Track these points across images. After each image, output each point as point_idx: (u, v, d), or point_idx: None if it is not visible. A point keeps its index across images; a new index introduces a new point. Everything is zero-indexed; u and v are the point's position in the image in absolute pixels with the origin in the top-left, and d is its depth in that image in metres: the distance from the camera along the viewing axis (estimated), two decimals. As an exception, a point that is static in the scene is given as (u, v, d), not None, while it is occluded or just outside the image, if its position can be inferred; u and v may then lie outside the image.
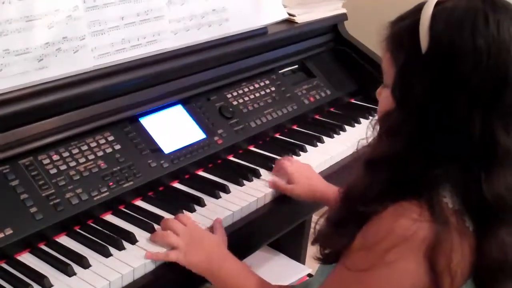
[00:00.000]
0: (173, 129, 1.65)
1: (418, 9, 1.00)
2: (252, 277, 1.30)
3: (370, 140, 1.14)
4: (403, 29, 1.01)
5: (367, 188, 1.03)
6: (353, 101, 2.22)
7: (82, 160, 1.43)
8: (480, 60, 0.93)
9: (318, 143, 1.86)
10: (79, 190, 1.38)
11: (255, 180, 1.62)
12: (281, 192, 1.58)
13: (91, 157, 1.45)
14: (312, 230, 1.21)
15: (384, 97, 1.07)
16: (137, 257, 1.29)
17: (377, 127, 1.09)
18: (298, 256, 2.31)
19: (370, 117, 2.06)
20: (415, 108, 0.99)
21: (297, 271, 2.14)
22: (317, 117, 2.06)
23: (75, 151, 1.44)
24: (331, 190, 1.54)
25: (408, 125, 1.00)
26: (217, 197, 1.53)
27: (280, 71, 2.05)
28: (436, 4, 0.98)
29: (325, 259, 1.14)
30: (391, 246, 0.96)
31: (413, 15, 1.01)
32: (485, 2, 0.96)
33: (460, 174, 0.98)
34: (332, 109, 2.13)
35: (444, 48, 0.95)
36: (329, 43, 2.25)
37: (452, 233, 0.96)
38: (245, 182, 1.61)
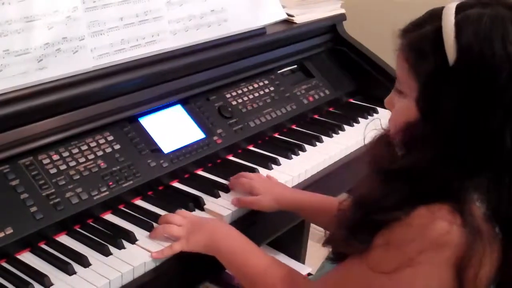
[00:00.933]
0: (172, 129, 1.65)
1: (434, 15, 0.99)
2: (259, 253, 1.29)
3: (373, 146, 1.15)
4: (423, 38, 0.99)
5: (387, 197, 1.01)
6: (352, 101, 2.22)
7: (82, 159, 1.44)
8: None
9: (317, 143, 1.87)
10: (79, 190, 1.39)
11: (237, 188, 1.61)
12: (248, 207, 1.52)
13: (91, 157, 1.46)
14: (322, 233, 1.20)
15: (403, 107, 1.04)
16: (137, 255, 1.30)
17: (394, 136, 1.08)
18: (298, 255, 2.31)
19: (369, 117, 2.07)
20: (445, 120, 0.97)
21: (297, 270, 2.14)
22: (316, 117, 2.07)
23: (75, 151, 1.44)
24: (301, 198, 1.52)
25: (436, 136, 0.98)
26: (216, 196, 1.53)
27: (279, 71, 2.06)
28: (457, 11, 0.96)
29: (338, 259, 1.13)
30: (423, 249, 0.94)
31: (431, 22, 0.99)
32: (509, 8, 0.95)
33: (490, 183, 0.96)
34: (331, 109, 2.13)
35: (475, 60, 0.93)
36: (328, 43, 2.26)
37: (484, 242, 0.94)
38: (244, 181, 1.61)
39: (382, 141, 1.15)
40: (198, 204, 1.49)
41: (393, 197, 0.99)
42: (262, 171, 1.67)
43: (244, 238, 1.32)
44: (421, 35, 1.00)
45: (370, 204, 1.04)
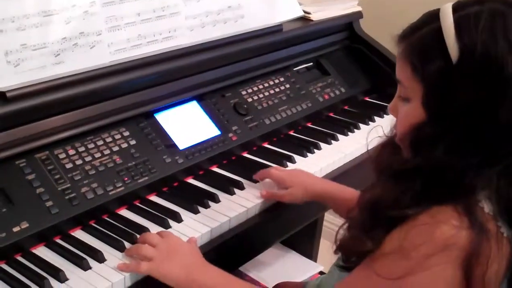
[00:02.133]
0: (188, 125, 1.65)
1: (431, 17, 0.99)
2: (237, 282, 1.25)
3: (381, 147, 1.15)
4: (424, 40, 0.99)
5: (399, 196, 1.01)
6: (367, 99, 2.21)
7: (98, 155, 1.44)
8: None
9: (332, 141, 1.86)
10: (94, 185, 1.39)
11: (267, 179, 1.61)
12: (278, 200, 1.53)
13: (107, 152, 1.46)
14: (334, 236, 1.20)
15: (408, 111, 1.04)
16: (152, 252, 1.29)
17: (403, 137, 1.07)
18: (310, 253, 2.31)
19: (385, 116, 2.06)
20: (454, 118, 0.97)
21: (309, 268, 2.14)
22: (331, 115, 2.06)
23: (91, 146, 1.45)
24: (331, 187, 1.54)
25: (447, 136, 0.98)
26: (231, 193, 1.53)
27: (294, 69, 2.05)
28: (454, 11, 0.97)
29: (348, 266, 1.12)
30: (431, 253, 0.94)
31: (429, 24, 0.99)
32: (505, 4, 0.96)
33: (498, 180, 0.97)
34: (346, 107, 2.13)
35: (479, 56, 0.94)
36: (344, 41, 2.25)
37: (491, 242, 0.94)
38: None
39: (387, 147, 1.17)
40: (213, 200, 1.49)
41: (407, 196, 0.99)
42: (277, 168, 1.66)
43: (219, 272, 1.25)
44: (421, 37, 1.00)
45: (383, 203, 1.03)
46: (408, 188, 1.00)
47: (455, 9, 0.97)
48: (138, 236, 1.33)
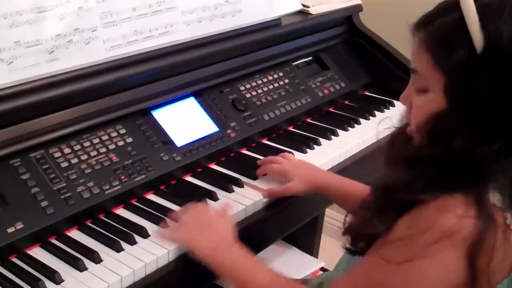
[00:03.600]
0: (185, 122, 1.63)
1: (450, 5, 0.98)
2: (261, 268, 1.26)
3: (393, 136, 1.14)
4: (445, 28, 0.98)
5: (412, 181, 1.01)
6: (367, 93, 2.19)
7: (94, 153, 1.42)
8: None
9: (332, 136, 1.84)
10: (90, 184, 1.37)
11: (269, 174, 1.59)
12: (280, 195, 1.53)
13: (103, 150, 1.44)
14: (336, 230, 1.19)
15: (425, 101, 1.03)
16: (149, 251, 1.28)
17: (422, 125, 1.06)
18: (311, 249, 2.30)
19: (386, 110, 2.04)
20: (477, 108, 0.96)
21: (310, 264, 2.12)
22: (331, 110, 2.04)
23: (87, 144, 1.43)
24: (333, 179, 1.53)
25: (468, 125, 0.97)
26: (230, 190, 1.51)
27: (294, 63, 2.03)
28: (475, 0, 0.95)
29: (355, 250, 1.14)
30: (434, 240, 0.94)
31: (449, 13, 0.98)
32: None
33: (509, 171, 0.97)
34: (346, 102, 2.10)
35: (505, 45, 0.93)
36: (344, 34, 2.23)
37: (496, 231, 0.94)
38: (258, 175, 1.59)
39: (399, 136, 1.16)
40: (211, 198, 1.47)
41: (421, 182, 1.00)
42: (277, 165, 1.64)
43: (245, 254, 1.27)
44: (442, 27, 0.99)
45: (396, 187, 1.03)
46: (422, 175, 1.00)
47: None
48: (135, 235, 1.31)
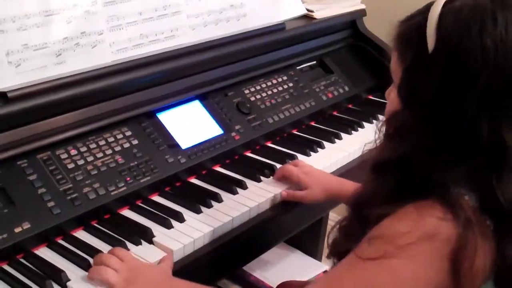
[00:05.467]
0: (190, 124, 1.64)
1: (427, 8, 0.99)
2: None
3: (377, 142, 1.13)
4: (411, 28, 1.00)
5: (374, 192, 1.02)
6: (371, 97, 2.20)
7: (100, 155, 1.43)
8: (487, 59, 0.91)
9: (336, 140, 1.85)
10: (96, 185, 1.38)
11: (274, 178, 1.61)
12: (298, 201, 1.54)
13: (109, 152, 1.45)
14: (327, 232, 1.20)
15: (393, 97, 1.05)
16: (154, 252, 1.29)
17: (383, 129, 1.08)
18: (314, 253, 2.30)
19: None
20: (422, 108, 0.97)
21: (313, 267, 2.13)
22: (335, 113, 2.05)
23: (93, 146, 1.44)
24: (345, 185, 1.53)
25: (415, 126, 0.98)
26: (234, 193, 1.52)
27: (298, 67, 2.04)
28: (445, 4, 0.96)
29: None
30: (412, 242, 0.93)
31: (422, 14, 0.99)
32: (494, 1, 0.95)
33: (474, 176, 0.96)
34: (350, 106, 2.11)
35: (451, 48, 0.94)
36: (348, 39, 2.24)
37: (476, 234, 0.93)
38: (262, 178, 1.60)
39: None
40: (216, 200, 1.48)
41: (381, 192, 1.00)
42: (280, 168, 1.65)
43: (190, 284, 1.20)
44: (410, 25, 1.01)
45: (362, 201, 1.05)
46: (382, 185, 1.01)
47: (447, 2, 0.97)
48: (140, 236, 1.32)
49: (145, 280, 1.18)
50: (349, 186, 1.53)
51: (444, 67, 0.94)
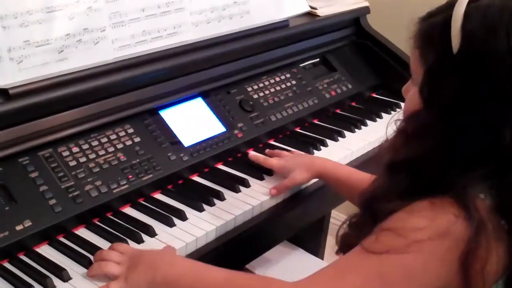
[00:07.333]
0: (193, 122, 1.64)
1: (450, 5, 0.97)
2: (211, 268, 1.11)
3: (390, 138, 1.11)
4: (434, 26, 0.98)
5: (388, 189, 1.01)
6: (374, 95, 2.19)
7: (102, 152, 1.43)
8: None
9: (339, 138, 1.84)
10: (98, 183, 1.38)
11: (276, 174, 1.60)
12: (289, 188, 1.54)
13: (111, 149, 1.44)
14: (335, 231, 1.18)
15: (412, 95, 1.04)
16: (156, 250, 1.28)
17: (401, 125, 1.06)
18: (317, 251, 2.30)
19: (392, 112, 2.04)
20: (444, 110, 0.96)
21: (316, 266, 2.11)
22: (338, 111, 2.04)
23: (95, 143, 1.43)
24: (328, 163, 1.55)
25: (436, 127, 0.97)
26: (236, 191, 1.51)
27: (301, 65, 2.03)
28: (469, 2, 0.95)
29: None
30: (426, 238, 0.92)
31: (445, 12, 0.97)
32: None
33: (493, 177, 0.95)
34: (353, 104, 2.10)
35: (477, 49, 0.92)
36: (351, 36, 2.23)
37: (488, 236, 0.92)
38: (265, 176, 1.59)
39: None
40: (218, 198, 1.47)
41: (395, 189, 0.99)
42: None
43: (191, 260, 1.19)
44: (432, 23, 0.99)
45: (373, 197, 1.03)
46: (396, 182, 1.00)
47: (471, 0, 0.95)
48: (142, 234, 1.31)
49: (147, 260, 1.16)
50: (331, 164, 1.55)
51: (469, 68, 0.93)
